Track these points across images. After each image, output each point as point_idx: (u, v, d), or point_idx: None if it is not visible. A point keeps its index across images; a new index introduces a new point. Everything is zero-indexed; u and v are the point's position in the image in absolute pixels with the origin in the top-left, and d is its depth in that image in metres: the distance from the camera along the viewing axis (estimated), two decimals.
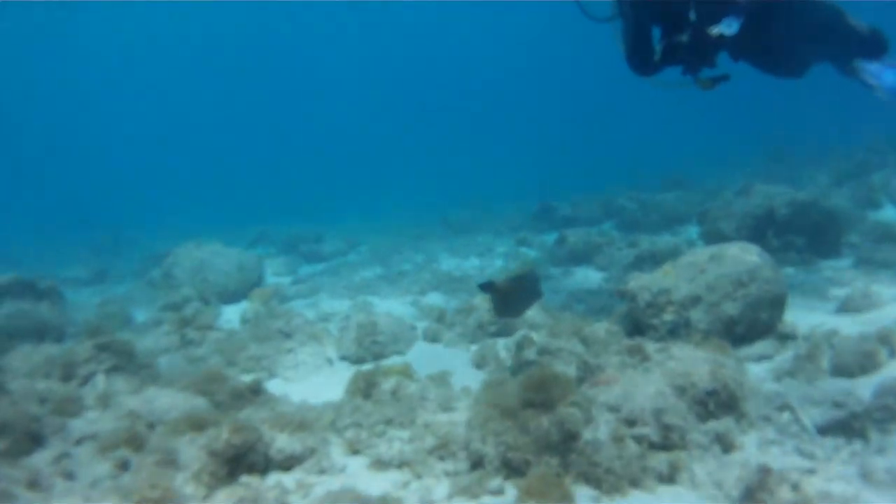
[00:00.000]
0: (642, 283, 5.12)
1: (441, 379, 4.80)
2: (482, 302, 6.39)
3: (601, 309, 6.87)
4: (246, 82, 57.96)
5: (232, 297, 9.85)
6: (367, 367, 5.76)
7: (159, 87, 56.75)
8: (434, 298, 8.77)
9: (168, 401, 4.40)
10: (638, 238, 9.27)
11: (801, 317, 5.42)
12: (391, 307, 8.60)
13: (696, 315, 4.81)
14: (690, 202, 11.53)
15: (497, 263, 10.97)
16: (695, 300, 4.86)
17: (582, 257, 9.35)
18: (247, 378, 5.95)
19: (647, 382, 3.43)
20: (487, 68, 54.03)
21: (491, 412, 3.31)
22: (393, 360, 6.03)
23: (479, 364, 5.55)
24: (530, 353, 4.92)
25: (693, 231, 9.84)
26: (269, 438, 3.60)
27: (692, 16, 5.23)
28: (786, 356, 4.64)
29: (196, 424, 3.77)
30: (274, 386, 5.71)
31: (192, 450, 3.51)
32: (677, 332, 4.80)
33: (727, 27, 5.24)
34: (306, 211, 22.83)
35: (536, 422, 3.13)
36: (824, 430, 3.46)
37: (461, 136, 43.81)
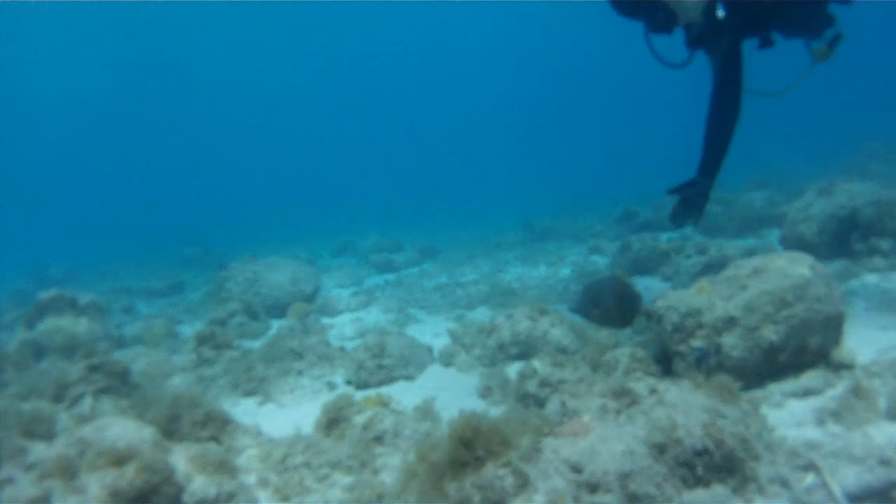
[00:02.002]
0: (670, 301, 4.31)
1: (426, 411, 4.17)
2: (505, 321, 5.73)
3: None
4: (339, 92, 59.09)
5: (285, 310, 9.49)
6: (365, 393, 5.29)
7: (256, 103, 58.60)
8: (481, 313, 8.13)
9: (120, 429, 3.97)
10: (710, 244, 8.33)
11: (871, 339, 4.51)
12: (435, 322, 8.06)
13: (730, 340, 3.99)
14: (778, 203, 10.43)
15: (563, 273, 10.22)
16: (729, 322, 4.04)
17: (646, 266, 8.48)
18: (248, 401, 5.56)
19: (619, 436, 2.71)
20: (574, 72, 53.06)
21: (417, 467, 2.68)
22: (399, 385, 5.44)
23: (485, 393, 4.88)
24: (531, 385, 4.24)
25: (776, 235, 8.82)
26: (184, 479, 3.11)
27: None
28: (838, 391, 3.78)
29: (116, 459, 3.30)
30: (266, 412, 5.24)
31: (96, 488, 3.06)
32: (706, 360, 4.00)
33: None
34: (396, 219, 22.67)
35: (458, 485, 2.48)
36: (859, 498, 2.67)
37: (553, 142, 43.12)
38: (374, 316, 8.89)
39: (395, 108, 59.67)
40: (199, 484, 3.09)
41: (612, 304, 4.84)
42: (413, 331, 7.53)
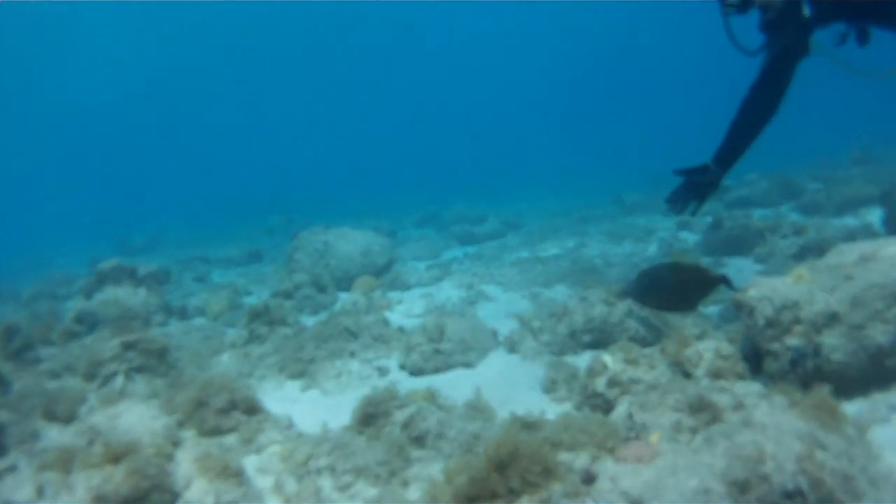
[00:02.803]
0: (764, 290, 3.72)
1: (477, 408, 3.72)
2: (578, 305, 5.19)
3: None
4: (430, 65, 59.53)
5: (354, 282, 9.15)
6: (419, 380, 4.88)
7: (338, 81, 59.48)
8: (559, 292, 7.60)
9: (134, 418, 3.64)
10: (808, 224, 7.57)
11: None
12: (510, 300, 7.57)
13: (831, 341, 3.38)
14: (880, 180, 9.49)
15: (650, 250, 9.59)
16: (831, 319, 3.43)
17: (738, 246, 7.77)
18: (292, 385, 5.21)
19: (693, 466, 2.20)
20: (659, 45, 51.76)
21: (442, 492, 2.23)
22: (456, 373, 4.98)
23: (549, 387, 4.37)
24: (599, 384, 3.73)
25: (877, 214, 7.98)
26: (183, 483, 2.75)
27: None
28: None
29: (112, 456, 2.95)
30: (309, 398, 4.86)
31: (82, 489, 2.73)
32: (802, 362, 3.41)
33: None
34: (484, 190, 22.34)
35: None
36: None
37: (642, 115, 42.05)
38: (445, 292, 8.43)
39: (486, 84, 59.92)
40: (196, 491, 2.72)
41: (672, 290, 4.28)
42: (483, 309, 7.08)
